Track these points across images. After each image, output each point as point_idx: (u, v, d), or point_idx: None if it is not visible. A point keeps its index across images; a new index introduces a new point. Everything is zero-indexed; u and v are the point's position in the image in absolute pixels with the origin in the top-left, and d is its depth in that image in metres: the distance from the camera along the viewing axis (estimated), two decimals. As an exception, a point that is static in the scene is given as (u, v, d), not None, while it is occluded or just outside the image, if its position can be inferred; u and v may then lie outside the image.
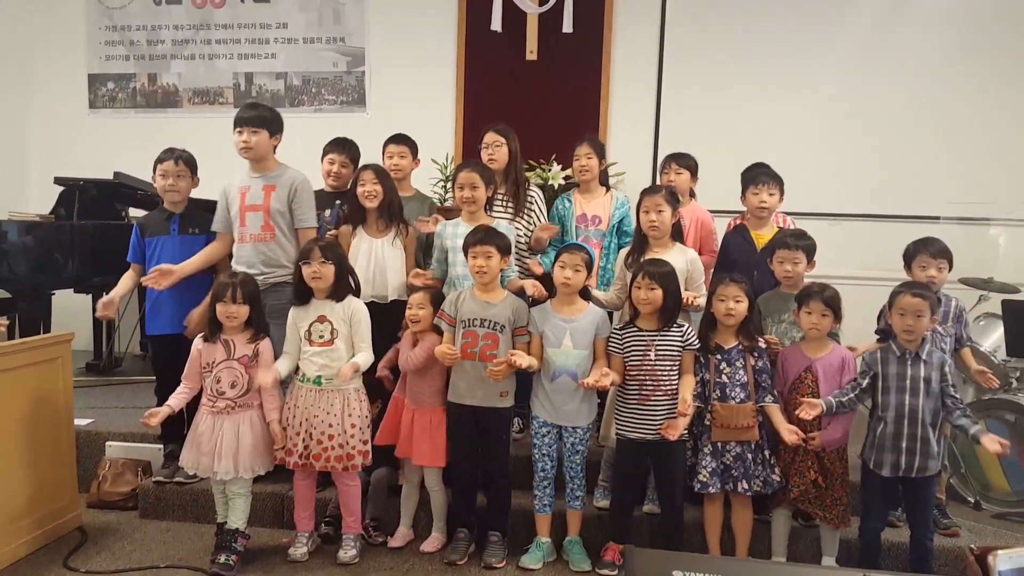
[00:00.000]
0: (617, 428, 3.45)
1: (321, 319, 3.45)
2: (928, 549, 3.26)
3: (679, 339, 3.38)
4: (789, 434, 3.26)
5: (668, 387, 3.35)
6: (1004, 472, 4.32)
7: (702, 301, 3.54)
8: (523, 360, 3.36)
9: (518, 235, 3.96)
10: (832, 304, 3.31)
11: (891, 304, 3.23)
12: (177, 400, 3.44)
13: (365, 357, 3.46)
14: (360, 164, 4.19)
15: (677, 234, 3.75)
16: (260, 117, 3.77)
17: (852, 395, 3.25)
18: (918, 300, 3.14)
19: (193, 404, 3.50)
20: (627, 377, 3.40)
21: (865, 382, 3.24)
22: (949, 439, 3.97)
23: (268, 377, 3.35)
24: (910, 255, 3.66)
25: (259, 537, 3.67)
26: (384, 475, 3.77)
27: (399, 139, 4.22)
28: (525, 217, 4.07)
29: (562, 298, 3.53)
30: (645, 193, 3.70)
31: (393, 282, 3.80)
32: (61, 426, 3.76)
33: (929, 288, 3.27)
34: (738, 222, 4.18)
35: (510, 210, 4.06)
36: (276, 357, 3.52)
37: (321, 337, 3.44)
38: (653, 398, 3.35)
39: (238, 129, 3.75)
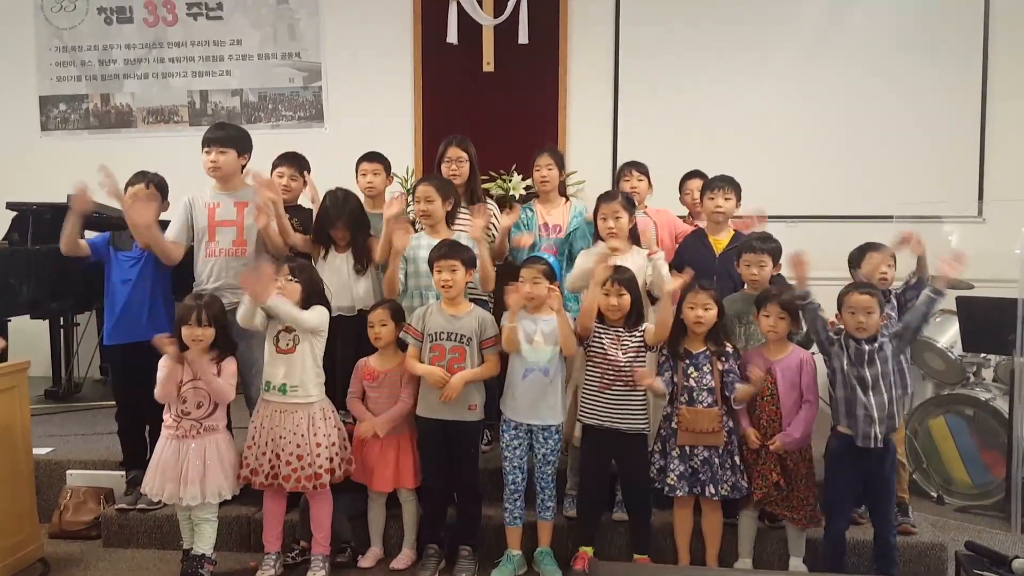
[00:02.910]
0: (580, 416, 3.50)
1: (288, 328, 3.44)
2: (892, 545, 3.30)
3: (641, 339, 3.44)
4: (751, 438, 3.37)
5: (628, 378, 3.41)
6: (965, 466, 4.41)
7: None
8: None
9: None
10: (789, 307, 3.36)
11: (840, 304, 3.28)
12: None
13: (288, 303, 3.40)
14: (313, 177, 4.21)
15: (634, 238, 3.79)
16: (227, 137, 3.78)
17: (815, 321, 3.32)
18: (867, 297, 3.20)
19: (155, 431, 3.45)
20: (590, 365, 3.46)
21: (829, 335, 3.30)
22: (910, 435, 4.04)
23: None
24: (856, 257, 3.73)
25: (226, 562, 3.62)
26: (346, 502, 3.70)
27: (373, 157, 4.19)
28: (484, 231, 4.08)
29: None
30: (602, 199, 3.74)
31: (357, 294, 3.78)
32: (19, 456, 3.68)
33: (875, 286, 3.34)
34: (695, 227, 4.24)
35: (470, 222, 4.06)
36: (241, 375, 3.55)
37: (287, 345, 3.43)
38: (614, 387, 3.41)
39: (206, 149, 3.76)
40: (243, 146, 3.83)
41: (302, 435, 3.40)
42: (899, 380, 3.26)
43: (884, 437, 3.20)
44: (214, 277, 3.76)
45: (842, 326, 3.30)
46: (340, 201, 3.81)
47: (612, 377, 3.41)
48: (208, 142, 3.76)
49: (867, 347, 3.21)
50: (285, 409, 3.42)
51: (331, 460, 3.45)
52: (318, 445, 3.42)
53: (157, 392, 3.39)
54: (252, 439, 3.45)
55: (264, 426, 3.43)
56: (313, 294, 3.48)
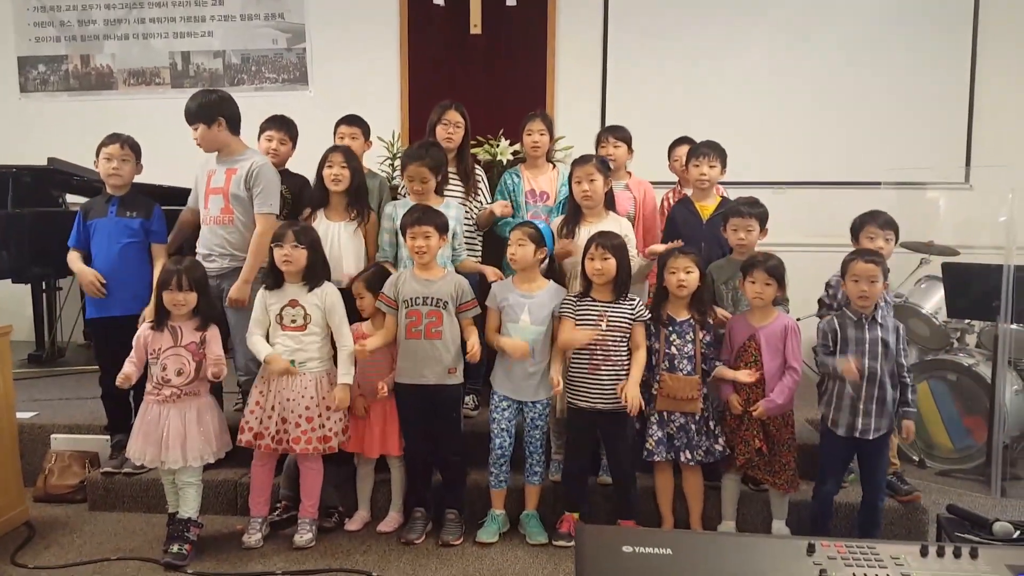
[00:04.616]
0: (568, 397, 3.49)
1: (293, 303, 3.42)
2: (879, 509, 3.36)
3: (630, 312, 3.41)
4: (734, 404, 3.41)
5: (616, 358, 3.40)
6: (947, 431, 4.45)
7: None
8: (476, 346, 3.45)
9: (467, 215, 3.99)
10: (775, 273, 3.35)
11: (844, 271, 3.28)
12: (132, 367, 3.33)
13: (348, 357, 3.44)
14: (301, 141, 4.16)
15: (610, 203, 3.77)
16: (189, 114, 3.68)
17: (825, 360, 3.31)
18: (871, 266, 3.20)
19: (139, 395, 3.43)
20: (577, 347, 3.43)
21: (832, 347, 3.29)
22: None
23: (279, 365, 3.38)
24: (857, 227, 3.71)
25: (212, 525, 3.62)
26: (332, 471, 3.67)
27: (351, 120, 4.14)
28: (472, 198, 4.06)
29: (521, 274, 3.55)
30: (576, 163, 3.72)
31: (349, 268, 3.74)
32: (2, 421, 3.65)
33: (880, 255, 3.34)
34: (680, 195, 4.22)
35: (461, 191, 4.04)
36: (225, 342, 3.50)
37: (293, 322, 3.42)
38: (603, 368, 3.39)
39: None
40: (208, 115, 3.68)
41: (311, 397, 3.41)
42: (889, 379, 3.25)
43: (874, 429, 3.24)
44: (204, 245, 3.75)
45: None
46: (340, 146, 3.82)
47: (601, 358, 3.39)
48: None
49: (868, 333, 3.22)
50: (293, 376, 3.42)
51: (339, 421, 3.47)
52: (328, 408, 3.44)
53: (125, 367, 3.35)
54: (256, 403, 3.44)
55: (271, 389, 3.42)
56: (318, 260, 3.46)
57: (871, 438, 3.25)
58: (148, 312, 3.51)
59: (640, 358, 3.41)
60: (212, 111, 3.71)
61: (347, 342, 3.46)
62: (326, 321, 3.46)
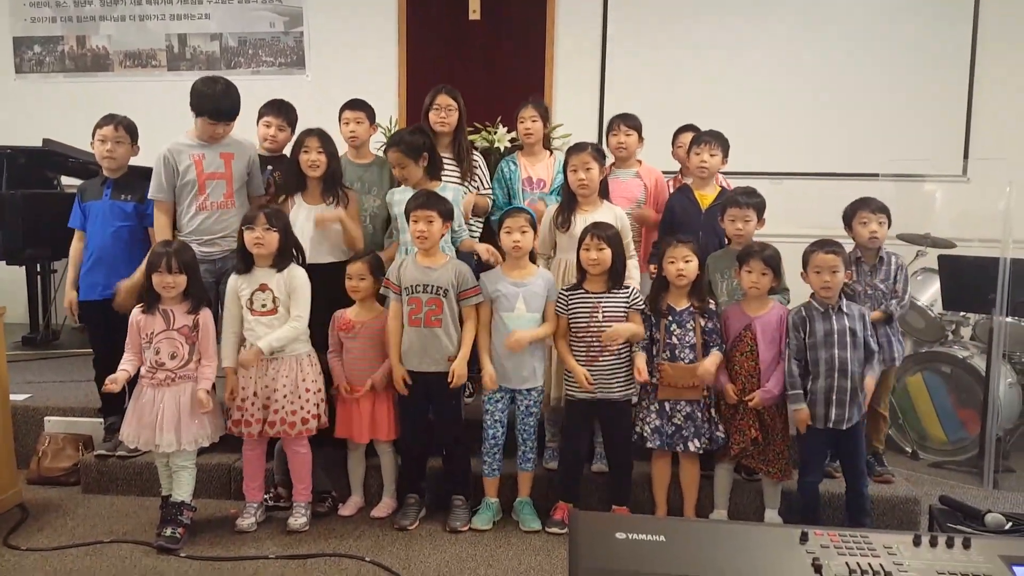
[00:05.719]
0: (566, 389, 3.48)
1: (263, 287, 3.40)
2: (864, 495, 3.37)
3: (625, 300, 3.41)
4: (728, 393, 3.40)
5: (614, 348, 3.39)
6: (940, 423, 4.46)
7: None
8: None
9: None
10: (771, 263, 3.36)
11: (806, 263, 3.30)
12: (130, 365, 3.34)
13: (287, 331, 3.38)
14: (300, 128, 4.10)
15: (604, 192, 3.76)
16: (234, 110, 3.66)
17: (799, 361, 3.31)
18: (832, 256, 3.22)
19: (133, 378, 3.42)
20: (575, 339, 3.43)
21: (804, 340, 3.29)
22: (889, 392, 4.08)
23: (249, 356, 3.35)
24: (850, 213, 3.72)
25: (206, 509, 3.62)
26: (325, 455, 3.70)
27: (356, 105, 4.08)
28: (468, 182, 4.03)
29: (512, 262, 3.53)
30: (572, 151, 3.70)
31: (333, 251, 3.73)
32: (-4, 403, 3.66)
33: (840, 245, 3.34)
34: (680, 183, 4.20)
35: (456, 174, 4.02)
36: (218, 325, 3.49)
37: (263, 306, 3.40)
38: (601, 359, 3.39)
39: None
40: (226, 114, 3.68)
41: (288, 380, 3.41)
42: (859, 367, 3.27)
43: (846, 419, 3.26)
44: (204, 232, 3.70)
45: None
46: (314, 130, 3.75)
47: (599, 349, 3.39)
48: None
49: (836, 323, 3.24)
50: (272, 360, 3.41)
51: (318, 406, 3.46)
52: (307, 391, 3.43)
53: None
54: (242, 388, 3.44)
55: (251, 376, 3.42)
56: (289, 243, 3.44)
57: (844, 428, 3.26)
58: (124, 285, 3.50)
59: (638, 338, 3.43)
60: (234, 112, 3.70)
61: (298, 322, 3.41)
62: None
